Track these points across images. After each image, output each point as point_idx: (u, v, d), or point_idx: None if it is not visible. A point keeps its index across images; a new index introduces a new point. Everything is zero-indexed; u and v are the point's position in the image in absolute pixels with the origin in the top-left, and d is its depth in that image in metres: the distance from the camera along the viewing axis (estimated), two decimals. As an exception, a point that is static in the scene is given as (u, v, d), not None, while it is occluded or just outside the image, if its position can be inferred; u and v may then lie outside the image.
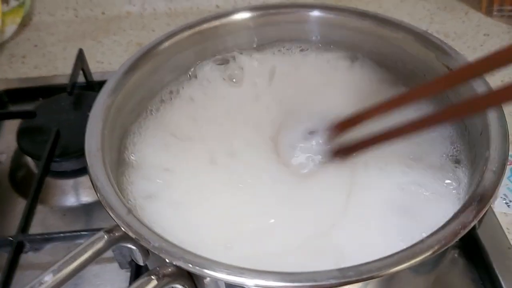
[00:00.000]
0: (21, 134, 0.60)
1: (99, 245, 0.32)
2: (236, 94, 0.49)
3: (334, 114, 0.44)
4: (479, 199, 0.31)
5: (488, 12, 0.81)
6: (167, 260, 0.30)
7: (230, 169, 0.42)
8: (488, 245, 0.48)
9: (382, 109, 0.39)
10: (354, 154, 0.41)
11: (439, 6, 0.84)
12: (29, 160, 0.60)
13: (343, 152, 0.42)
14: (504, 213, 0.52)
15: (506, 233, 0.49)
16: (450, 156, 0.40)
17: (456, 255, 0.49)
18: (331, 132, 0.43)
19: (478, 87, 0.39)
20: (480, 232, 0.48)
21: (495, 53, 0.32)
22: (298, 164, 0.42)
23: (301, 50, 0.50)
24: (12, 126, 0.63)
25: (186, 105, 0.47)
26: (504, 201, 0.53)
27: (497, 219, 0.51)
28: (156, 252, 0.30)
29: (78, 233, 0.48)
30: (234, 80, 0.49)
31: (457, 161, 0.40)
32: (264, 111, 0.47)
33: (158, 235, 0.31)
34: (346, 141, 0.42)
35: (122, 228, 0.31)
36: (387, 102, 0.38)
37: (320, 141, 0.43)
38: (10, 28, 0.80)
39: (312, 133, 0.44)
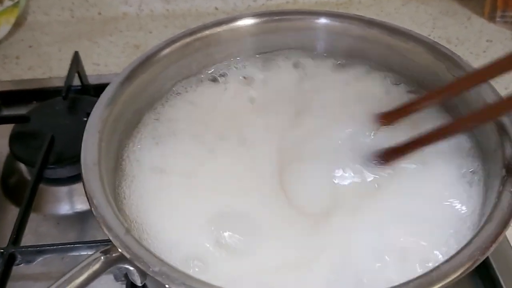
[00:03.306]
0: (14, 139, 0.58)
1: (96, 267, 0.30)
2: (237, 104, 0.47)
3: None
4: (498, 222, 0.30)
5: (491, 18, 0.80)
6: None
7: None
8: (495, 260, 0.46)
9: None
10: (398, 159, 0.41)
11: (441, 10, 0.83)
12: (21, 166, 0.58)
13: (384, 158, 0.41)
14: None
15: (512, 247, 0.48)
16: (463, 172, 0.39)
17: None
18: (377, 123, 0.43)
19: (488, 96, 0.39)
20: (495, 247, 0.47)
21: (500, 60, 0.33)
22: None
23: (297, 64, 0.49)
24: (4, 130, 0.61)
25: (185, 115, 0.45)
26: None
27: (505, 237, 0.49)
28: (155, 277, 0.28)
29: (72, 245, 0.46)
30: (233, 89, 0.48)
31: (471, 178, 0.39)
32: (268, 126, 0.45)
33: (158, 257, 0.29)
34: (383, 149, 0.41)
35: (119, 250, 0.30)
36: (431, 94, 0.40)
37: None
38: (4, 28, 0.78)
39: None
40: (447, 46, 0.74)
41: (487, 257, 0.44)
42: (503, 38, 0.77)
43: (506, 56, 0.34)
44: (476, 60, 0.74)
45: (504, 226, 0.30)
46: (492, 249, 0.29)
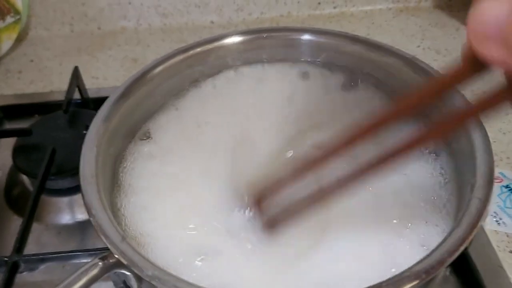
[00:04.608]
0: (17, 152, 0.60)
1: (94, 272, 0.32)
2: (227, 116, 0.49)
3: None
4: (465, 227, 0.32)
5: (479, 29, 0.81)
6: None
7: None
8: (479, 264, 0.48)
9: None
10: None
11: (430, 22, 0.85)
12: (24, 177, 0.60)
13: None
14: (495, 231, 0.52)
15: (497, 251, 0.50)
16: (438, 180, 0.41)
17: (447, 273, 0.50)
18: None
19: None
20: (471, 251, 0.49)
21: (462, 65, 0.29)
22: None
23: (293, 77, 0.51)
24: (7, 142, 0.63)
25: (179, 129, 0.47)
26: (495, 219, 0.53)
27: (487, 237, 0.51)
28: (149, 280, 0.30)
29: (73, 253, 0.48)
30: (224, 102, 0.50)
31: (446, 187, 0.41)
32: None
33: (151, 262, 0.32)
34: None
35: (116, 256, 0.32)
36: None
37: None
38: (6, 44, 0.81)
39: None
40: (436, 56, 0.78)
41: (479, 275, 0.47)
42: (490, 48, 0.79)
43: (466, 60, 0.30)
44: (464, 70, 0.75)
45: (471, 230, 0.32)
46: (460, 251, 0.31)
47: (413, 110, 0.33)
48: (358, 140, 0.33)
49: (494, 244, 0.51)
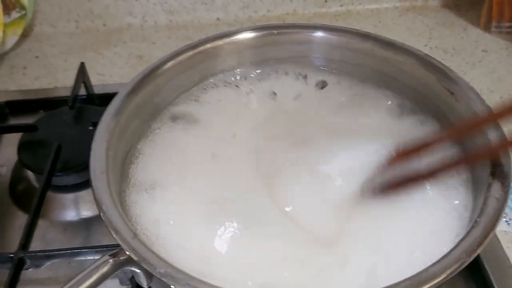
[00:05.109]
0: (22, 148, 0.60)
1: (105, 269, 0.32)
2: (238, 116, 0.49)
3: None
4: (483, 226, 0.32)
5: (487, 28, 0.81)
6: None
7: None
8: (488, 264, 0.48)
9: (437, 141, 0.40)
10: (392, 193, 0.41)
11: (438, 21, 0.85)
12: (29, 173, 0.60)
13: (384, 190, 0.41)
14: (505, 231, 0.52)
15: (507, 252, 0.50)
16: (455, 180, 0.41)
17: (456, 274, 0.49)
18: (391, 162, 0.42)
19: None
20: (480, 251, 0.48)
21: None
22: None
23: (304, 77, 0.51)
24: (12, 138, 0.63)
25: (189, 125, 0.47)
26: (504, 219, 0.53)
27: (497, 237, 0.51)
28: (161, 278, 0.30)
29: (79, 250, 0.48)
30: (234, 99, 0.49)
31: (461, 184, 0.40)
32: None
33: (163, 260, 0.31)
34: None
35: (127, 253, 0.32)
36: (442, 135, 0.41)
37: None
38: (11, 39, 0.80)
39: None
40: (444, 56, 0.77)
41: (488, 276, 0.47)
42: (498, 48, 0.79)
43: None
44: (472, 69, 0.75)
45: (490, 230, 0.32)
46: (478, 252, 0.31)
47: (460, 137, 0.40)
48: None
49: (504, 245, 0.50)
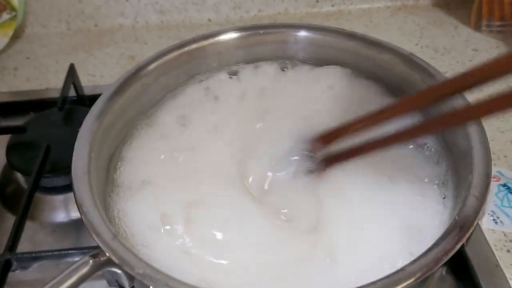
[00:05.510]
0: (11, 149, 0.60)
1: (84, 270, 0.32)
2: (222, 113, 0.49)
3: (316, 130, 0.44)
4: (461, 225, 0.32)
5: (477, 27, 0.82)
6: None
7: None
8: (475, 263, 0.48)
9: (366, 121, 0.39)
10: (336, 165, 0.42)
11: (428, 20, 0.85)
12: (18, 175, 0.60)
13: (326, 163, 0.43)
14: (492, 229, 0.52)
15: (494, 250, 0.50)
16: (436, 178, 0.41)
17: (444, 272, 0.49)
18: (315, 145, 0.43)
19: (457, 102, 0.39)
20: (468, 250, 0.48)
21: (475, 69, 0.34)
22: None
23: (284, 69, 0.51)
24: (1, 139, 0.62)
25: (174, 125, 0.47)
26: (492, 218, 0.53)
27: (484, 236, 0.51)
28: (140, 279, 0.30)
29: (66, 251, 0.48)
30: (219, 98, 0.49)
31: (443, 184, 0.40)
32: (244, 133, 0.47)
33: (143, 261, 0.31)
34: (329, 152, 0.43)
35: (107, 254, 0.32)
36: (370, 116, 0.39)
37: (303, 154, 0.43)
38: (2, 41, 0.80)
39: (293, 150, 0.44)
40: (434, 55, 0.78)
41: (475, 275, 0.46)
42: (489, 47, 0.79)
43: (477, 68, 0.34)
44: (463, 68, 0.74)
45: (468, 229, 0.32)
46: (455, 250, 0.31)
47: (418, 106, 0.38)
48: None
49: (491, 243, 0.51)
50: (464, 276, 0.48)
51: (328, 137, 0.42)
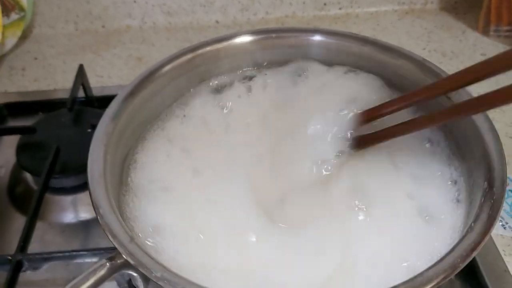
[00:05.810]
0: (21, 150, 0.60)
1: (101, 272, 0.32)
2: (236, 114, 0.49)
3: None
4: (478, 232, 0.32)
5: (485, 32, 0.82)
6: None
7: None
8: (484, 268, 0.48)
9: (403, 101, 0.41)
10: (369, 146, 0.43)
11: (436, 25, 0.85)
12: (28, 175, 0.60)
13: (359, 143, 0.44)
14: (501, 235, 0.52)
15: (502, 255, 0.50)
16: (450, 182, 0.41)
17: (452, 278, 0.49)
18: (360, 118, 0.44)
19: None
20: (476, 255, 0.48)
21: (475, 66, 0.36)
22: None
23: (299, 75, 0.51)
24: (11, 139, 0.63)
25: (187, 127, 0.47)
26: (501, 223, 0.53)
27: (493, 241, 0.51)
28: (158, 282, 0.30)
29: (77, 252, 0.48)
30: (230, 103, 0.49)
31: (457, 189, 0.40)
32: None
33: (160, 264, 0.31)
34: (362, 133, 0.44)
35: (124, 256, 0.32)
36: (407, 96, 0.41)
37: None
38: (11, 41, 0.81)
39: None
40: (442, 59, 0.78)
41: (484, 280, 0.47)
42: (496, 51, 0.78)
43: (480, 63, 0.37)
44: (470, 73, 0.75)
45: (484, 235, 0.32)
46: (472, 256, 0.31)
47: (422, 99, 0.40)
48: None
49: (500, 249, 0.51)
50: (473, 282, 0.48)
51: (371, 113, 0.43)
